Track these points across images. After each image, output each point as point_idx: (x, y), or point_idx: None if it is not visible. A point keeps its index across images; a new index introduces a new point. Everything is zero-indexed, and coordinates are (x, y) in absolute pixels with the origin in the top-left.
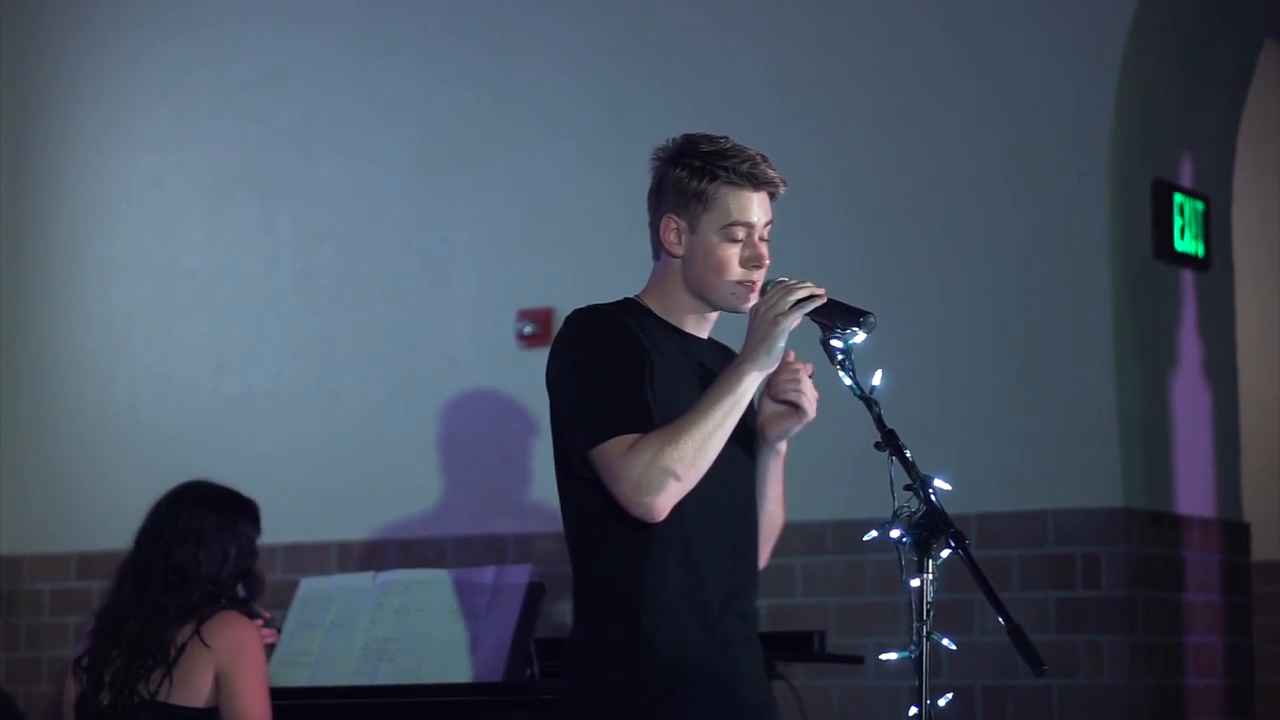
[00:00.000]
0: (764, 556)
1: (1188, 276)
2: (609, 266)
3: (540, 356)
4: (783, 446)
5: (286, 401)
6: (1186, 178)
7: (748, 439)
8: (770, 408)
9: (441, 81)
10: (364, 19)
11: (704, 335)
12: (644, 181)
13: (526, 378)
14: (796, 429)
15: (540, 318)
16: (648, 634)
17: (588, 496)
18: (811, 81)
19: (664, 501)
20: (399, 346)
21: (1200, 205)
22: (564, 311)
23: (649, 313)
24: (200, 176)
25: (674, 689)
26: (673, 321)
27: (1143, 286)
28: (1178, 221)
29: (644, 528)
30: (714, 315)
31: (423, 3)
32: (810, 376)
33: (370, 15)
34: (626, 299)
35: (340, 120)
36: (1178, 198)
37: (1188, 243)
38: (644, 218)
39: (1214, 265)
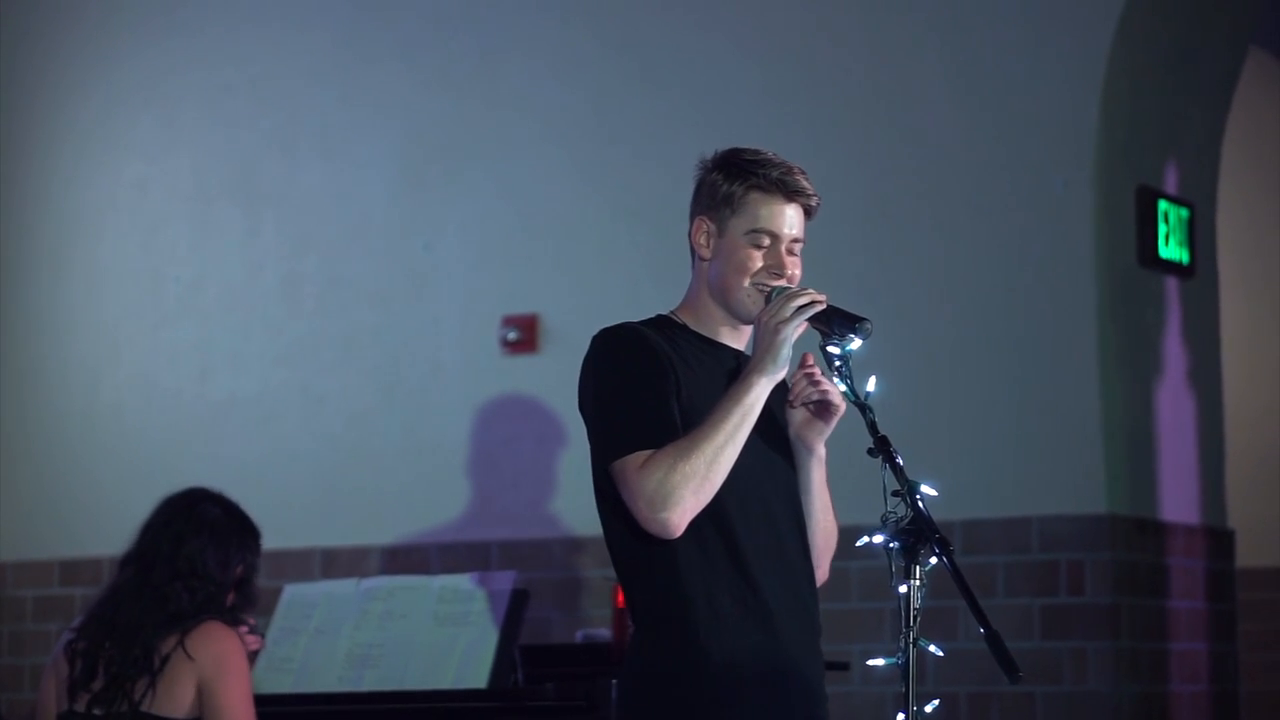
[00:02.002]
0: (824, 568)
1: (1172, 283)
2: (594, 273)
3: (525, 363)
4: (822, 451)
5: (271, 407)
6: (1171, 185)
7: (785, 446)
8: (799, 416)
9: (426, 87)
10: (349, 25)
11: (740, 347)
12: (630, 188)
13: (511, 384)
14: (831, 428)
15: (525, 324)
16: (705, 641)
17: (626, 510)
18: (799, 89)
19: (679, 517)
20: (383, 353)
21: (1185, 212)
22: (549, 318)
23: (682, 327)
24: (185, 182)
25: (731, 696)
26: (706, 333)
27: (1128, 293)
28: (1162, 228)
29: (690, 538)
30: (747, 327)
31: (407, 8)
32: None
33: (355, 21)
34: (660, 315)
35: (325, 126)
36: (1162, 204)
37: (1172, 249)
38: (628, 224)
39: (1199, 272)
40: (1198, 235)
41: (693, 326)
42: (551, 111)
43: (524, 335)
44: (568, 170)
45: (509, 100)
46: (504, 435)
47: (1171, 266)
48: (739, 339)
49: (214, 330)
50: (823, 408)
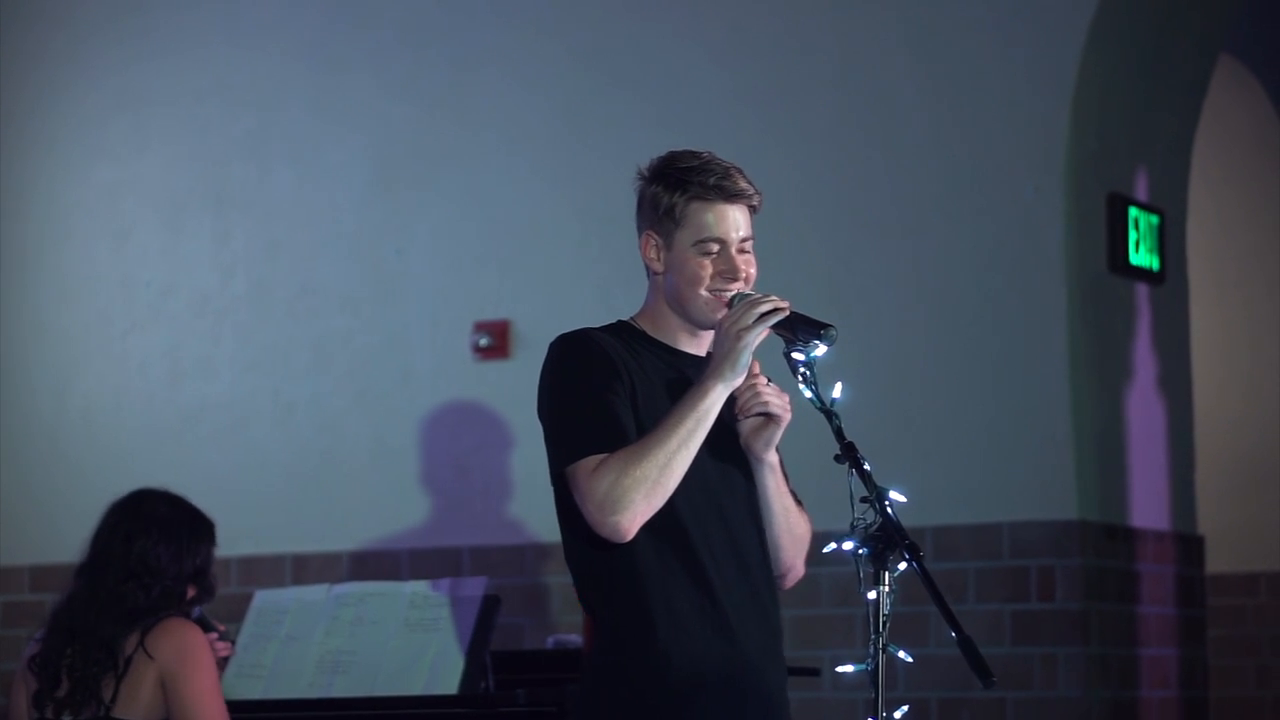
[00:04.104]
0: (799, 566)
1: (1142, 290)
2: (565, 279)
3: (496, 368)
4: (773, 457)
5: (241, 414)
6: (1142, 191)
7: (743, 457)
8: (746, 425)
9: (397, 95)
10: (320, 32)
11: (700, 352)
12: (601, 194)
13: (482, 390)
14: (777, 436)
15: (496, 330)
16: (665, 646)
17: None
18: (771, 96)
19: (629, 521)
20: (354, 359)
21: (1155, 219)
22: (520, 324)
23: (641, 334)
24: (155, 188)
25: (694, 700)
26: (665, 340)
27: (1098, 300)
28: (1133, 235)
29: (647, 545)
30: (707, 334)
31: (378, 16)
32: (769, 383)
33: (326, 28)
34: (619, 321)
35: (296, 133)
36: (1133, 211)
37: (1143, 256)
38: (600, 230)
39: (1169, 279)
40: (1168, 242)
41: (651, 333)
42: (522, 118)
43: (495, 341)
44: (538, 176)
45: (480, 107)
46: (475, 441)
47: (1141, 273)
48: (698, 345)
49: (184, 336)
50: (767, 417)
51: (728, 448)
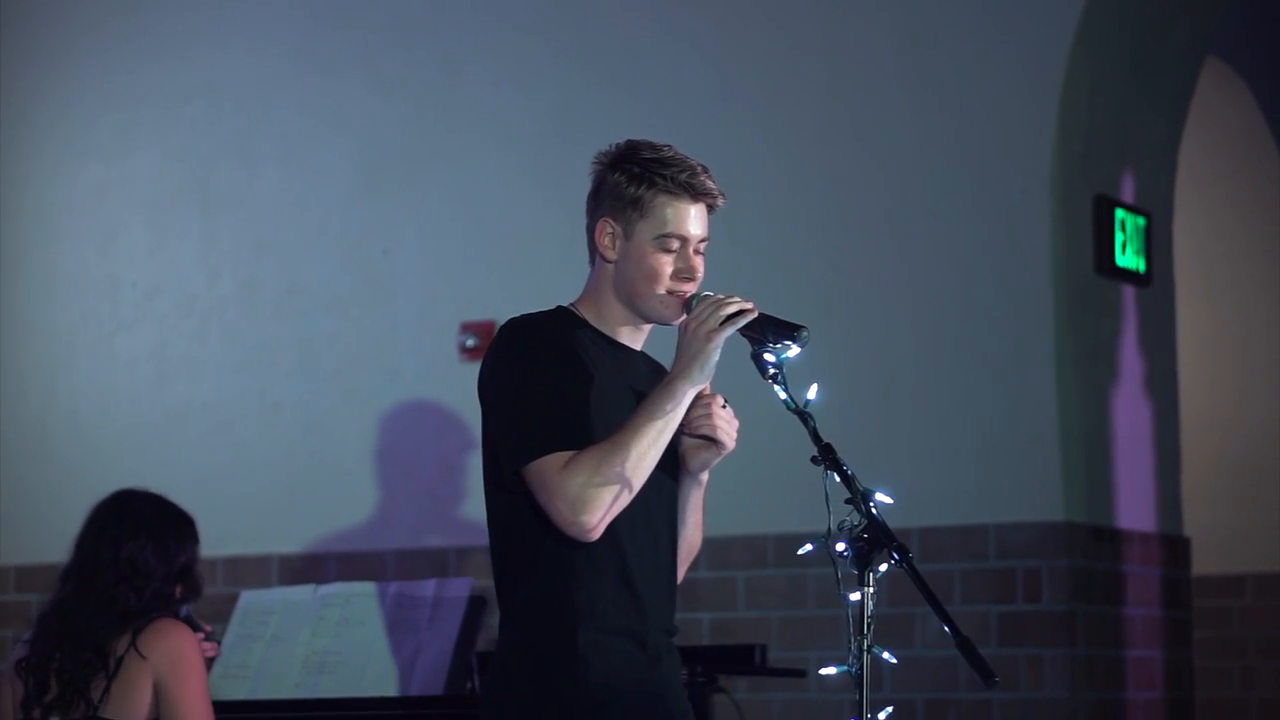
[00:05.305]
0: (680, 574)
1: (1129, 291)
2: (551, 279)
3: None
4: (704, 477)
5: (228, 414)
6: (1128, 193)
7: (673, 460)
8: (687, 441)
9: (384, 95)
10: (307, 32)
11: (637, 347)
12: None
13: (469, 390)
14: (715, 460)
15: (482, 330)
16: (584, 650)
17: (521, 510)
18: (759, 97)
19: (599, 521)
20: (341, 359)
21: (1142, 221)
22: None
23: (583, 323)
24: (143, 188)
25: (608, 704)
26: (606, 332)
27: (1084, 301)
28: (1119, 237)
29: (579, 544)
30: (647, 327)
31: (365, 16)
32: (724, 406)
33: (313, 28)
34: (560, 307)
35: (283, 133)
36: (1119, 213)
37: (1129, 258)
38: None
39: (1155, 280)
40: (1154, 244)
41: (594, 323)
42: (510, 118)
43: (482, 342)
44: (526, 177)
45: (467, 107)
46: (462, 442)
47: (1128, 275)
48: (637, 339)
49: (171, 336)
50: (711, 440)
51: (667, 450)
